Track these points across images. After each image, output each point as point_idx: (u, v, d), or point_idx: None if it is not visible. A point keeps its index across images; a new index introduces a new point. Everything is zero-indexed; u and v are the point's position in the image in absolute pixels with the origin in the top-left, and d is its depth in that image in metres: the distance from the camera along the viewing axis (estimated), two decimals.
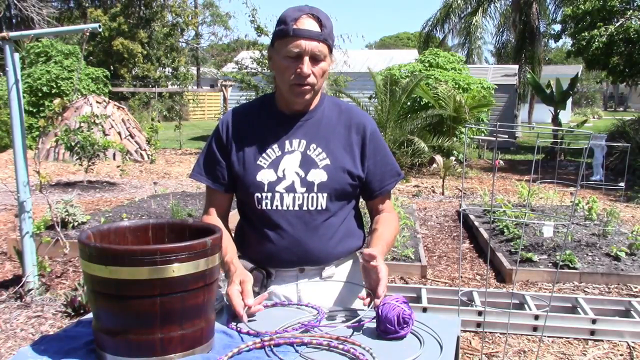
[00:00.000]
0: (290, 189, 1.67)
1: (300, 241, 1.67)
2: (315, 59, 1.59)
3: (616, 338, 3.60)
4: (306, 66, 1.58)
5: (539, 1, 20.30)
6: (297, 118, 1.70)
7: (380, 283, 1.47)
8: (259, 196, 1.67)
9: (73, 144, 8.87)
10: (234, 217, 1.83)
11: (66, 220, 5.51)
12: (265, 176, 1.67)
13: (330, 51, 1.64)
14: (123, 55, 20.92)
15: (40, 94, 13.95)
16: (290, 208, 1.66)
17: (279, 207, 1.67)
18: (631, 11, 13.35)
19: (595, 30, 13.22)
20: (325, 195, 1.67)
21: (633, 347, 3.51)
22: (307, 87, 1.62)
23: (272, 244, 1.68)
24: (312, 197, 1.67)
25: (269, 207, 1.67)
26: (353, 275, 1.81)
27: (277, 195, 1.67)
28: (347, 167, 1.69)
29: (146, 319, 1.21)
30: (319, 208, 1.67)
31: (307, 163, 1.68)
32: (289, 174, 1.67)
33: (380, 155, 1.76)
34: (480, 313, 3.73)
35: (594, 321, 3.66)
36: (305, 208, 1.67)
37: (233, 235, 1.85)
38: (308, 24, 1.57)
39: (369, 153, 1.73)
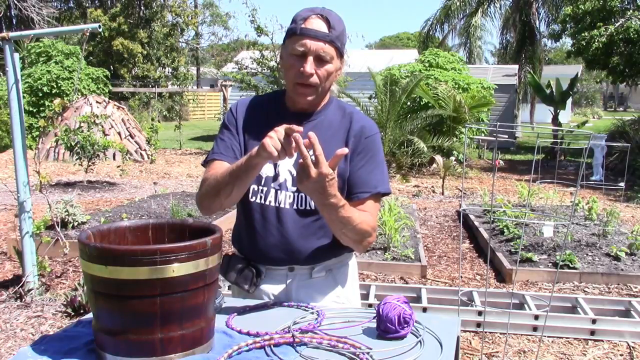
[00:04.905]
0: (283, 186, 1.68)
1: (289, 239, 1.67)
2: (320, 60, 1.59)
3: (616, 338, 3.59)
4: (309, 65, 1.58)
5: (542, 0, 20.30)
6: (302, 118, 1.69)
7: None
8: (255, 188, 1.69)
9: (73, 144, 8.88)
10: (231, 218, 1.83)
11: (66, 220, 5.51)
12: (264, 169, 1.67)
13: (340, 55, 1.64)
14: (123, 55, 20.92)
15: (40, 94, 13.95)
16: (282, 205, 1.68)
17: (272, 203, 1.68)
18: (631, 11, 13.34)
19: (595, 30, 13.21)
20: None
21: (633, 347, 3.51)
22: (310, 88, 1.62)
23: (262, 239, 1.69)
24: (302, 196, 1.67)
25: (262, 201, 1.69)
26: (347, 279, 1.81)
27: (272, 192, 1.68)
28: (338, 172, 1.67)
29: (146, 319, 1.21)
30: (308, 208, 1.67)
31: None
32: (283, 171, 1.69)
33: (367, 161, 1.68)
34: (480, 313, 3.73)
35: (594, 321, 3.66)
36: (295, 207, 1.68)
37: (231, 234, 1.85)
38: (316, 24, 1.59)
39: (357, 152, 1.68)
